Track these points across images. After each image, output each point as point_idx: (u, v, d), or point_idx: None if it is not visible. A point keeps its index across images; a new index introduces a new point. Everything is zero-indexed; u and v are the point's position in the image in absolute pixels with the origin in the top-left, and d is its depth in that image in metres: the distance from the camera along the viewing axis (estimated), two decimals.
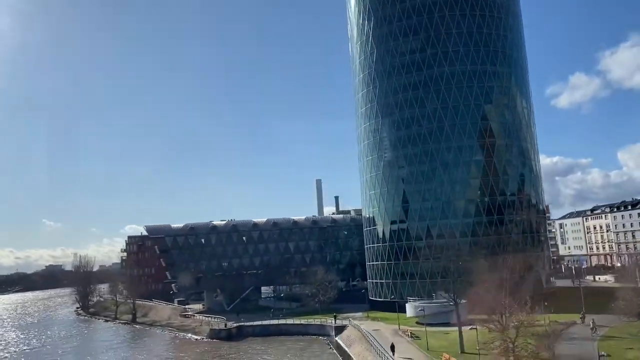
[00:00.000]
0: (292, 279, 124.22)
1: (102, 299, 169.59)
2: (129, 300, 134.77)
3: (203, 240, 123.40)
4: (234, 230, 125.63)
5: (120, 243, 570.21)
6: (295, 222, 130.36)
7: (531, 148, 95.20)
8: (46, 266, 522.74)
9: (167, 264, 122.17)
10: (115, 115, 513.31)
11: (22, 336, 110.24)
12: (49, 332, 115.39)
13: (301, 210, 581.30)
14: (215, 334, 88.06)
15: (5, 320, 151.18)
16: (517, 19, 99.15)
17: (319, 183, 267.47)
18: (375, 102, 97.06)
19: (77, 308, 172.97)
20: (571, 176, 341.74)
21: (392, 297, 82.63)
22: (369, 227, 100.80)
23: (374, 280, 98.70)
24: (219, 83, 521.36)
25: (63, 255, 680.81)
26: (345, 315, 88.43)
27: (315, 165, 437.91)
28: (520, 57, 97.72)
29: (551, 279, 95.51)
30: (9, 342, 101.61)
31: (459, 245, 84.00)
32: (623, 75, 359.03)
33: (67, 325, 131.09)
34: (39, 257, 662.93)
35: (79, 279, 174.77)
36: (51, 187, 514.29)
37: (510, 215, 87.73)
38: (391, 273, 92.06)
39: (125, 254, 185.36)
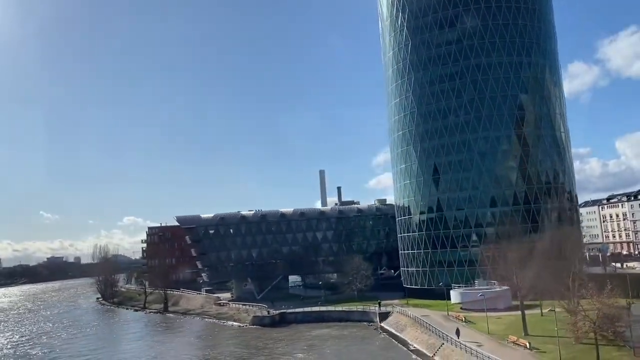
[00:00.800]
0: (321, 268, 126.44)
1: (123, 289, 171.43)
2: (155, 290, 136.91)
3: (232, 231, 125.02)
4: (263, 220, 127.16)
5: (118, 235, 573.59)
6: (322, 212, 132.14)
7: (564, 137, 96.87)
8: (47, 258, 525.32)
9: (199, 253, 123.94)
10: (114, 108, 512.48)
11: (59, 325, 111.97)
12: (83, 321, 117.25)
13: (301, 201, 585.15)
14: (258, 321, 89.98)
15: (30, 312, 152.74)
16: (549, 9, 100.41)
17: (322, 174, 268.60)
18: (411, 93, 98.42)
19: (98, 298, 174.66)
20: None
21: (440, 284, 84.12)
22: (403, 216, 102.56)
23: (409, 269, 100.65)
24: (222, 74, 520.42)
25: (61, 247, 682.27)
26: (382, 302, 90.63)
27: (314, 156, 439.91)
28: (553, 48, 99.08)
29: (584, 266, 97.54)
30: (50, 332, 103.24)
31: (497, 234, 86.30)
32: (622, 64, 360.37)
33: (96, 315, 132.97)
34: (37, 249, 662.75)
35: (100, 270, 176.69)
36: (48, 179, 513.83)
37: (546, 204, 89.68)
38: (428, 261, 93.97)
39: (145, 245, 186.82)
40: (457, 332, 55.87)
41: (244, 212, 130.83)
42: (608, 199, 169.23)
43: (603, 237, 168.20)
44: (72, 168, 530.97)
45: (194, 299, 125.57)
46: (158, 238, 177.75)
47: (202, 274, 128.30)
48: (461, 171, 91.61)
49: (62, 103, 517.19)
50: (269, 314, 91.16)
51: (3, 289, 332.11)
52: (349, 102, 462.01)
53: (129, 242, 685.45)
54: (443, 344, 56.18)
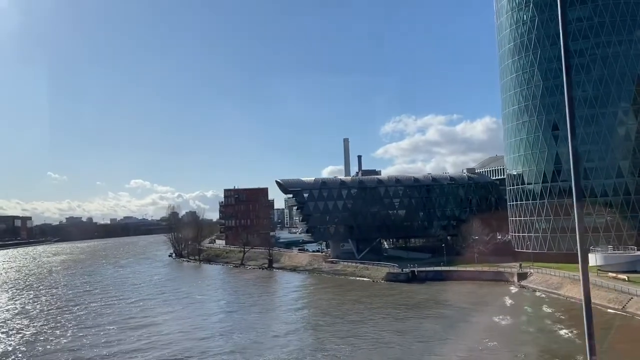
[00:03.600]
0: (424, 231, 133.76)
1: (204, 247, 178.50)
2: (251, 248, 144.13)
3: (334, 194, 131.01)
4: (362, 185, 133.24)
5: (126, 197, 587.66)
6: (416, 179, 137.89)
7: None
8: (67, 218, 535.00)
9: (304, 214, 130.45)
10: (121, 69, 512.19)
11: (193, 280, 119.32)
12: (197, 275, 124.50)
13: (306, 170, 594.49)
14: (393, 277, 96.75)
15: (143, 265, 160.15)
16: None
17: (346, 142, 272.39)
18: (536, 67, 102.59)
19: (171, 254, 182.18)
20: None
21: (591, 247, 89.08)
22: (516, 185, 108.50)
23: (520, 234, 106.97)
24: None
25: (69, 208, 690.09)
26: (497, 265, 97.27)
27: (330, 124, 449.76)
28: None
29: None
30: (195, 282, 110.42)
31: (622, 203, 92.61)
32: None
33: (205, 271, 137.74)
34: (46, 209, 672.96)
35: (172, 227, 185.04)
36: (54, 140, 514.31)
37: None
38: (549, 228, 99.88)
39: (221, 206, 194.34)
40: None
41: (342, 177, 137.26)
42: None
43: None
44: (79, 129, 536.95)
45: (297, 257, 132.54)
46: (234, 200, 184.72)
47: (303, 234, 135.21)
48: (588, 144, 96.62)
49: (68, 62, 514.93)
50: (402, 271, 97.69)
51: (51, 246, 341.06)
52: (358, 70, 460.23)
53: (136, 205, 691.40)
54: (632, 297, 62.32)
